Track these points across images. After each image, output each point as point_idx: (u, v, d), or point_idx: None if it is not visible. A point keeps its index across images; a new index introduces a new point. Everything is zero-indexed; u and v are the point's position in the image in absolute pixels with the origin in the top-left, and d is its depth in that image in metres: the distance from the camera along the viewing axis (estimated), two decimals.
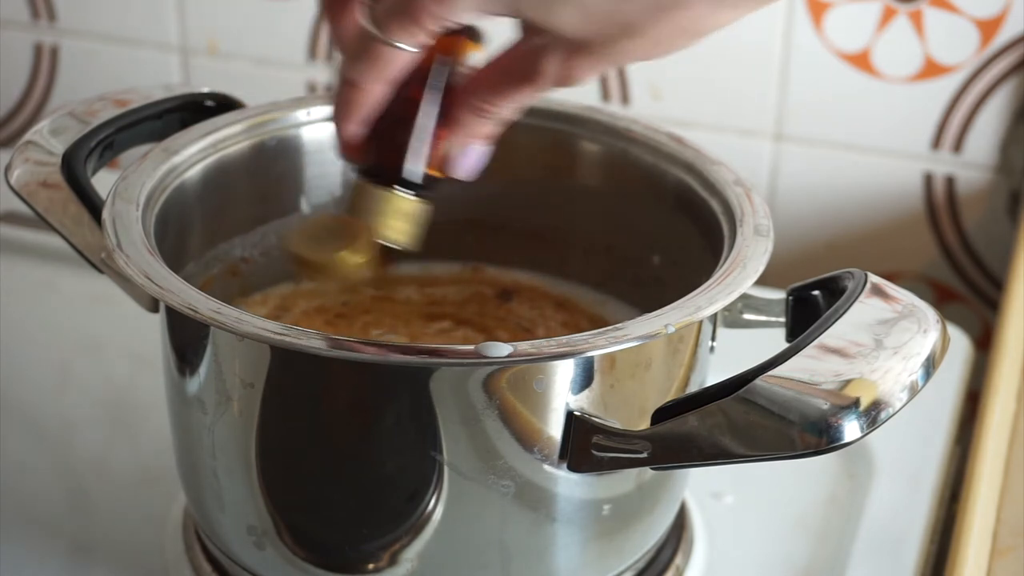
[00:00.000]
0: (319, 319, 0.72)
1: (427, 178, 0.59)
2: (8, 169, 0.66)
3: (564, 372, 0.57)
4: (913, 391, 0.54)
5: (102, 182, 0.66)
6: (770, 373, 0.53)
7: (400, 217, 0.60)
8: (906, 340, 0.55)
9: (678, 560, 0.69)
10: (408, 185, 0.59)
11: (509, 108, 0.57)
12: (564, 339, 0.55)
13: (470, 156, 0.59)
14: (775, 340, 0.61)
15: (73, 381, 0.82)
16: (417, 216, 0.60)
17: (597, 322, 0.72)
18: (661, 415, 0.56)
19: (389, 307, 0.73)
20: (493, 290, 0.74)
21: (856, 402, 0.52)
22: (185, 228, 0.67)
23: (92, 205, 0.64)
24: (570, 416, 0.57)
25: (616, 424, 0.58)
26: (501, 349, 0.54)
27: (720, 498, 0.75)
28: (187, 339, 0.60)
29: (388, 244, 0.60)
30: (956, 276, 0.98)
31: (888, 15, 0.92)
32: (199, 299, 0.56)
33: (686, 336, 0.60)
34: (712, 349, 0.63)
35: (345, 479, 0.60)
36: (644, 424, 0.57)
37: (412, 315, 0.73)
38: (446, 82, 0.59)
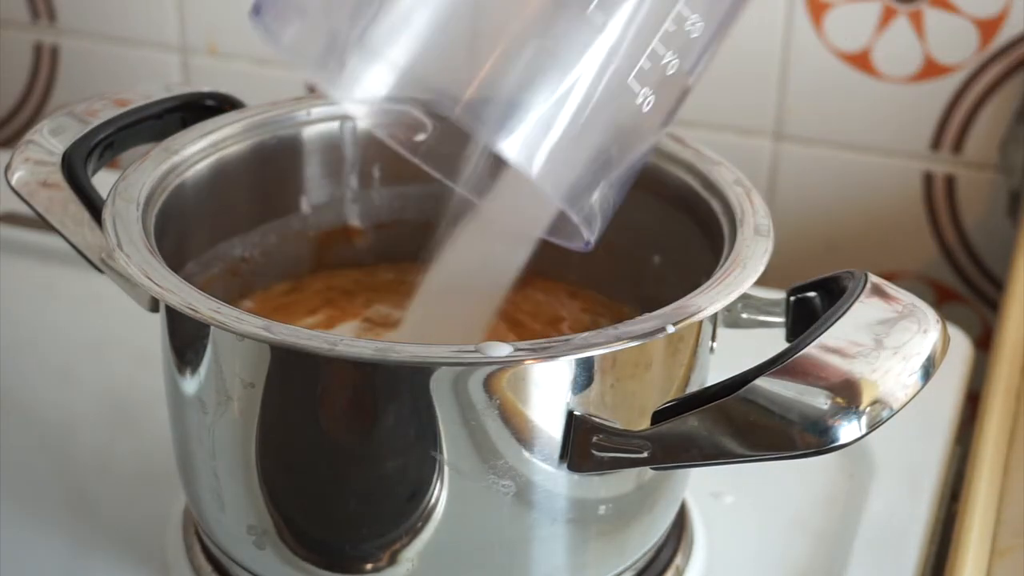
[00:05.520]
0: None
1: None
2: (8, 169, 0.66)
3: (564, 372, 0.56)
4: (913, 391, 0.54)
5: (102, 182, 0.65)
6: (770, 373, 0.53)
7: None
8: (906, 340, 0.55)
9: (678, 560, 0.69)
10: None
11: None
12: (564, 339, 0.55)
13: None
14: (775, 340, 0.61)
15: (73, 381, 0.82)
16: None
17: (616, 313, 0.72)
18: (661, 415, 0.56)
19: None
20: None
21: (856, 402, 0.52)
22: (185, 228, 0.67)
23: (92, 205, 0.64)
24: (570, 416, 0.57)
25: (616, 424, 0.58)
26: (501, 349, 0.54)
27: (720, 498, 0.74)
28: (187, 339, 0.60)
29: None
30: (956, 276, 0.98)
31: (888, 15, 0.92)
32: (199, 299, 0.56)
33: (686, 336, 0.60)
34: (712, 349, 0.63)
35: (345, 479, 0.60)
36: (644, 424, 0.57)
37: None
38: None
